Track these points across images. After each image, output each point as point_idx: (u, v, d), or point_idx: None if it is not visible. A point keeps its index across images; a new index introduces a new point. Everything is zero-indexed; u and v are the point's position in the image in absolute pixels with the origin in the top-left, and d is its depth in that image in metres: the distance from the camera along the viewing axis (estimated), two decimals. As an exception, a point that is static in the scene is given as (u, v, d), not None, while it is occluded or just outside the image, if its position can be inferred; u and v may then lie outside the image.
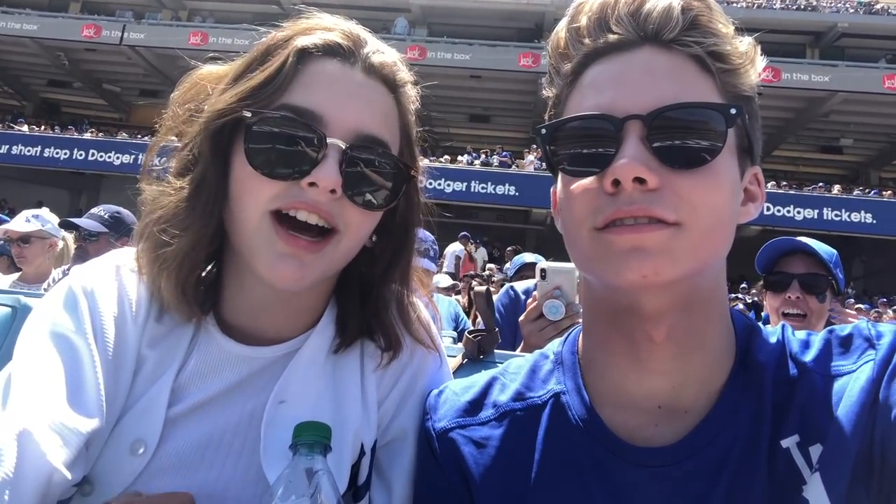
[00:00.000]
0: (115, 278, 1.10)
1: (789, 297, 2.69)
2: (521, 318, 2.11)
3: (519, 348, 2.19)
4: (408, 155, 1.14)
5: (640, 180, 0.84)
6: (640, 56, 0.91)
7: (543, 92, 1.06)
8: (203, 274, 1.12)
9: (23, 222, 4.53)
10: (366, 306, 1.18)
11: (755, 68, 0.95)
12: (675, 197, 0.85)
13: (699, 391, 0.95)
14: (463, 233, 14.62)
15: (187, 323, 1.11)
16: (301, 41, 1.04)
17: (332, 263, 1.06)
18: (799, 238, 2.80)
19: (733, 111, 0.88)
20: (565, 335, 1.15)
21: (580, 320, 2.02)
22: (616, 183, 0.85)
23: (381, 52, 1.11)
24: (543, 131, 0.96)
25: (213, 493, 1.03)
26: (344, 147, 1.00)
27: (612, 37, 0.93)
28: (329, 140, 0.99)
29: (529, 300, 2.15)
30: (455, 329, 4.47)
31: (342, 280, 1.19)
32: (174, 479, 1.01)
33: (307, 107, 1.00)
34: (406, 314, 1.22)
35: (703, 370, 0.96)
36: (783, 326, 1.02)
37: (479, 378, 1.16)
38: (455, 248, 14.36)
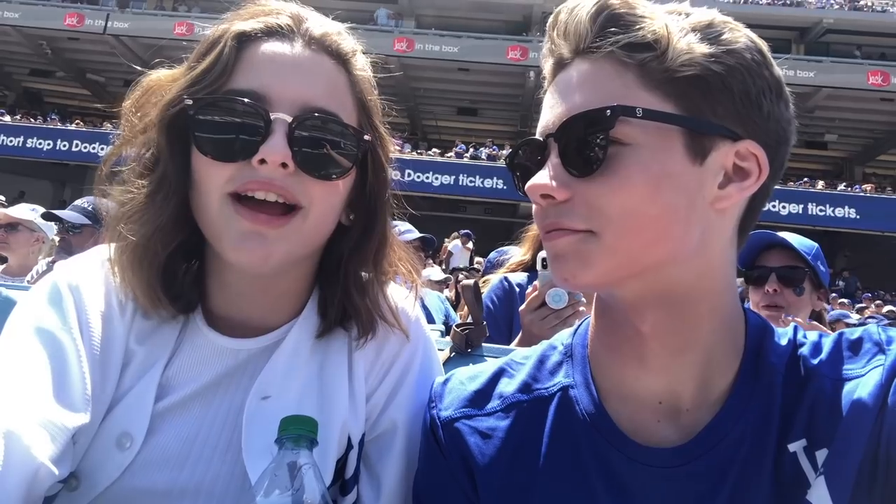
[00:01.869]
0: (101, 273, 1.09)
1: (767, 290, 2.72)
2: (522, 307, 2.10)
3: (516, 340, 2.19)
4: (366, 124, 1.12)
5: (548, 196, 0.90)
6: (569, 71, 0.93)
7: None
8: (186, 271, 1.11)
9: (19, 209, 4.48)
10: (344, 289, 1.17)
11: (687, 42, 0.87)
12: (585, 206, 0.88)
13: (698, 391, 0.95)
14: (465, 231, 14.66)
15: (175, 318, 1.10)
16: (238, 26, 1.04)
17: (300, 241, 1.04)
18: (777, 233, 2.83)
19: (608, 113, 0.85)
20: (575, 326, 1.14)
21: (582, 308, 2.05)
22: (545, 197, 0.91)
23: (322, 25, 1.09)
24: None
25: (200, 487, 1.03)
26: (289, 120, 0.99)
27: (555, 55, 0.96)
28: (273, 115, 0.98)
29: (529, 290, 2.15)
30: (444, 324, 4.49)
31: (325, 265, 1.18)
32: (161, 473, 1.01)
33: (249, 87, 0.99)
34: (380, 298, 1.20)
35: (698, 368, 0.95)
36: (795, 328, 1.01)
37: (486, 367, 1.15)
38: (455, 244, 14.40)
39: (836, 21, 28.95)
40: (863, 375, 0.89)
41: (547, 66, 0.98)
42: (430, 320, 4.45)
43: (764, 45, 0.93)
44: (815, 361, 0.94)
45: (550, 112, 0.94)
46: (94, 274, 1.09)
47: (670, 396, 0.96)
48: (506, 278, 2.86)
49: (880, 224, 23.39)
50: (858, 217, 23.32)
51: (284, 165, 0.98)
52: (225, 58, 1.01)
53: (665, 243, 0.88)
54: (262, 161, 0.97)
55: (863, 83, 26.02)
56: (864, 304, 16.27)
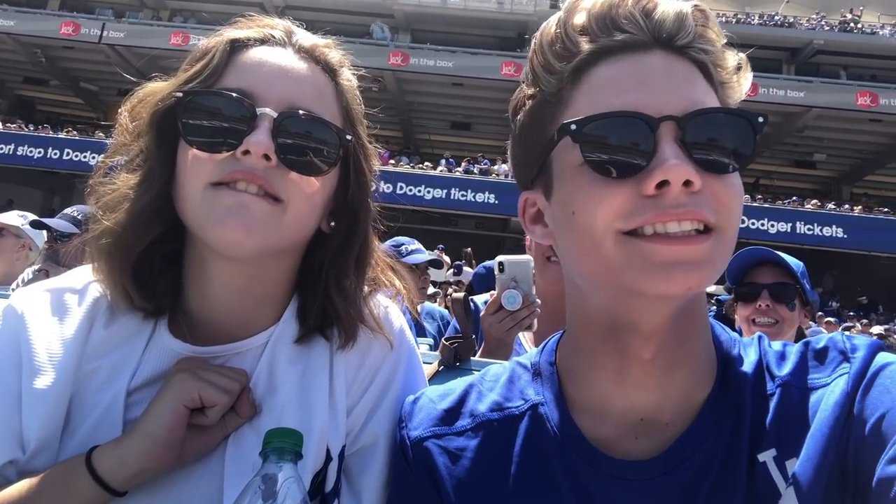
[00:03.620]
0: (51, 299, 1.10)
1: (760, 305, 2.75)
2: (483, 312, 2.15)
3: (480, 350, 2.21)
4: (349, 132, 1.14)
5: (686, 183, 0.82)
6: (655, 58, 0.88)
7: (523, 90, 1.02)
8: (161, 274, 1.11)
9: (6, 215, 4.45)
10: (325, 293, 1.17)
11: (744, 85, 0.95)
12: (715, 200, 0.84)
13: (680, 404, 0.95)
14: (467, 249, 14.83)
15: (143, 326, 1.10)
16: (232, 33, 1.09)
17: (280, 233, 1.04)
18: (764, 248, 2.87)
19: (761, 119, 0.88)
20: (542, 344, 1.13)
21: (537, 310, 2.07)
22: (660, 185, 0.83)
23: (312, 38, 1.15)
24: (573, 127, 0.87)
25: (178, 501, 1.01)
26: (275, 116, 1.02)
27: (621, 36, 0.89)
28: (259, 110, 1.01)
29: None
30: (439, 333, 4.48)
31: (305, 274, 1.18)
32: (138, 488, 0.99)
33: (238, 86, 1.03)
34: (362, 305, 1.20)
35: (686, 383, 0.95)
36: (759, 338, 1.01)
37: (457, 385, 1.13)
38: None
39: (826, 42, 29.38)
40: (828, 384, 0.89)
41: (593, 38, 0.90)
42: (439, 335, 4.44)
43: None
44: (782, 371, 0.94)
45: (650, 91, 0.86)
46: (41, 301, 1.09)
47: (655, 413, 0.95)
48: (471, 298, 2.91)
49: (867, 244, 23.60)
50: (846, 236, 23.53)
51: (267, 158, 1.00)
52: (217, 60, 1.05)
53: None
54: (246, 152, 0.99)
55: (852, 104, 26.36)
56: (850, 324, 16.35)
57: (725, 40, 0.94)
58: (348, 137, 1.11)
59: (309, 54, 1.12)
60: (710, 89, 0.91)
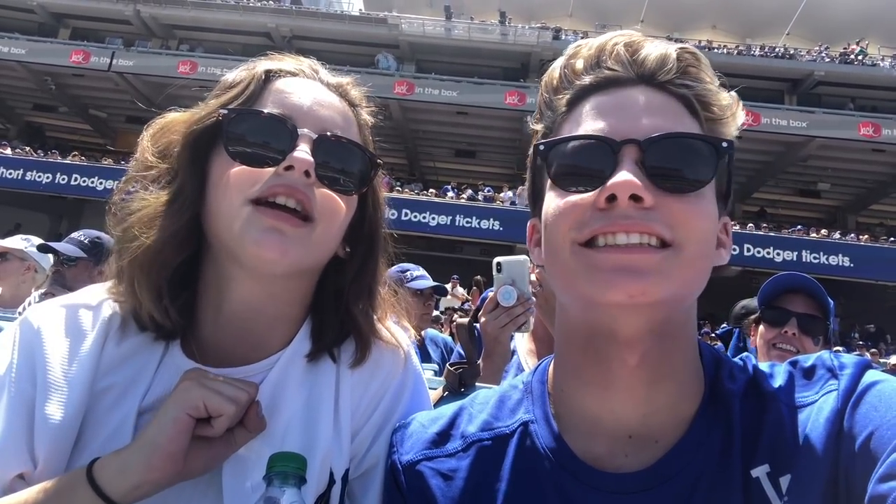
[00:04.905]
0: (66, 315, 1.10)
1: (786, 331, 2.68)
2: (481, 312, 2.21)
3: (482, 356, 2.22)
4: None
5: (635, 198, 0.88)
6: (636, 92, 0.96)
7: (530, 126, 1.08)
8: (175, 298, 1.12)
9: (10, 239, 4.47)
10: (338, 319, 1.20)
11: (735, 122, 1.00)
12: (670, 216, 0.89)
13: (668, 420, 0.96)
14: (476, 277, 14.95)
15: (154, 346, 1.11)
16: (265, 65, 1.17)
17: (310, 250, 1.08)
18: (805, 275, 2.81)
19: (724, 144, 0.93)
20: (535, 366, 1.14)
21: (533, 308, 2.10)
22: (611, 199, 0.89)
23: (335, 75, 1.24)
24: (541, 147, 0.98)
25: None
26: (314, 136, 1.08)
27: (607, 72, 0.98)
28: (300, 130, 1.08)
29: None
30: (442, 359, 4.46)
31: (319, 296, 1.21)
32: None
33: (277, 110, 1.09)
34: (376, 322, 1.25)
35: (672, 399, 0.96)
36: (747, 357, 1.03)
37: (447, 409, 1.15)
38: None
39: (827, 74, 29.64)
40: (816, 401, 0.90)
41: (584, 76, 0.99)
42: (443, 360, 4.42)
43: None
44: (771, 388, 0.96)
45: (622, 118, 0.94)
46: (55, 317, 1.10)
47: (643, 428, 0.96)
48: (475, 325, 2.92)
49: (874, 273, 23.49)
50: (852, 265, 23.43)
51: (307, 175, 1.05)
52: (253, 87, 1.13)
53: (706, 277, 0.94)
54: (289, 168, 1.04)
55: (854, 134, 26.48)
56: (859, 353, 16.22)
57: (718, 82, 1.00)
58: (379, 161, 1.17)
59: (335, 89, 1.21)
60: (695, 122, 0.96)
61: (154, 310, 1.08)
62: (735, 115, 1.00)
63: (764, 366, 1.01)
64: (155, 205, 1.09)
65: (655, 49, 0.97)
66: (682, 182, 0.91)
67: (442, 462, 1.07)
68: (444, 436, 1.10)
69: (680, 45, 1.00)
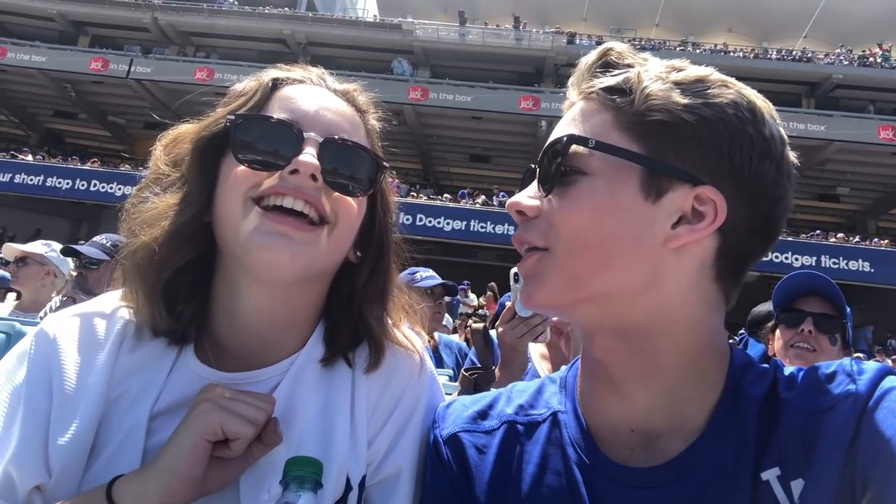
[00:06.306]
0: (81, 325, 1.11)
1: (802, 330, 2.68)
2: (499, 321, 2.21)
3: (499, 365, 2.24)
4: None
5: (521, 213, 1.02)
6: (570, 110, 1.04)
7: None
8: (187, 302, 1.13)
9: (32, 243, 4.54)
10: (351, 323, 1.20)
11: (663, 91, 0.94)
12: (545, 223, 0.98)
13: (668, 418, 0.97)
14: (491, 283, 14.99)
15: (167, 351, 1.11)
16: (273, 74, 1.18)
17: (322, 254, 1.08)
18: (819, 274, 2.80)
19: (565, 139, 0.98)
20: (572, 361, 1.17)
21: (551, 319, 2.15)
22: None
23: (342, 83, 1.25)
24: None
25: None
26: (320, 140, 1.08)
27: (568, 99, 1.07)
28: (306, 134, 1.08)
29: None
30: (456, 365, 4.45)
31: (330, 300, 1.21)
32: None
33: (284, 116, 1.10)
34: (390, 326, 1.25)
35: (665, 398, 0.98)
36: (775, 362, 1.03)
37: (487, 394, 1.22)
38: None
39: (845, 77, 29.32)
40: (835, 406, 0.89)
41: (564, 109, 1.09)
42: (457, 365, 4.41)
43: (761, 107, 0.98)
44: (791, 393, 0.95)
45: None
46: (70, 326, 1.10)
47: (643, 424, 0.99)
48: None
49: (895, 278, 23.15)
50: (872, 270, 23.12)
51: (314, 178, 1.05)
52: (260, 94, 1.13)
53: (610, 271, 0.95)
54: (294, 171, 1.04)
55: (874, 137, 26.16)
56: (879, 359, 15.99)
57: (649, 62, 1.00)
58: (385, 164, 1.17)
59: (342, 95, 1.21)
60: (603, 115, 0.98)
61: (148, 317, 1.09)
62: (644, 86, 0.95)
63: (789, 369, 1.01)
64: (161, 206, 1.10)
65: (580, 64, 1.05)
66: (558, 184, 0.99)
67: (478, 437, 1.12)
68: (482, 414, 1.16)
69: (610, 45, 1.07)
